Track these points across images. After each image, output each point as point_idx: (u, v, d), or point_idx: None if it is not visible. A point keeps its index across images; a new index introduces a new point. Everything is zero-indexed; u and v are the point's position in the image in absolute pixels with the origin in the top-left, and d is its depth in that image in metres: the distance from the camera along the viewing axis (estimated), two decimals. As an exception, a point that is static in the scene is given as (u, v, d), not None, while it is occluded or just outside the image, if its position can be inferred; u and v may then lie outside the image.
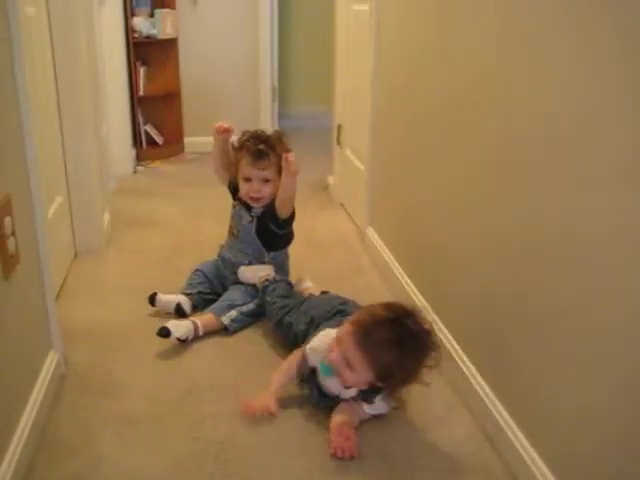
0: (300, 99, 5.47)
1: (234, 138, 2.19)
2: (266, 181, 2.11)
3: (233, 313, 2.05)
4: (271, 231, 2.14)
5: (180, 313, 2.09)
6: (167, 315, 2.10)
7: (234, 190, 2.22)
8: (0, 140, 1.41)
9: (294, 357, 1.72)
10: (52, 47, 2.34)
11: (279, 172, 2.09)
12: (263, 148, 2.09)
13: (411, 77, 2.14)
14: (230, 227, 2.26)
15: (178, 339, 1.93)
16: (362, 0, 2.74)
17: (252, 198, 2.14)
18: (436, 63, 1.89)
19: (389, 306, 1.54)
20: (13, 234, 1.39)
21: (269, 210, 2.13)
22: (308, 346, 1.68)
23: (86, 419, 1.61)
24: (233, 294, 2.12)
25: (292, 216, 2.16)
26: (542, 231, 1.31)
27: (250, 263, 2.17)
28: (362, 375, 1.52)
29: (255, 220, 2.15)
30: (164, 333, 1.90)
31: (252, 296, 2.11)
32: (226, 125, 2.15)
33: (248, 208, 2.17)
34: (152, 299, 2.11)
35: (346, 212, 3.18)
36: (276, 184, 2.12)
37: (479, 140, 1.60)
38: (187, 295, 2.17)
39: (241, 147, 2.14)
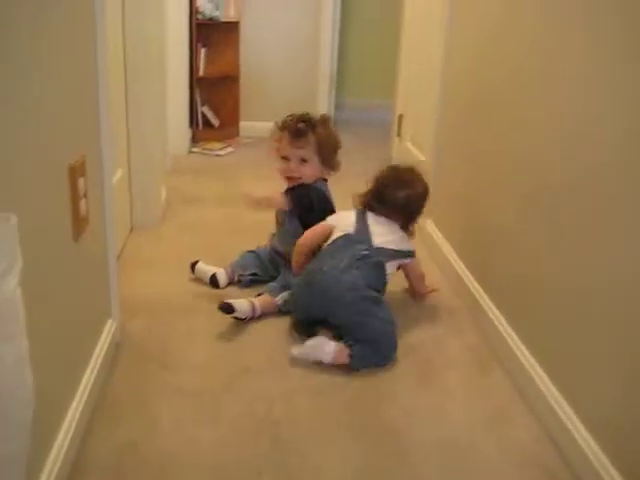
0: (357, 91, 5.42)
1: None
2: (303, 161, 2.09)
3: (285, 294, 2.03)
4: (308, 214, 2.10)
5: (214, 284, 2.12)
6: (220, 292, 2.10)
7: None
8: (78, 103, 1.41)
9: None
10: (123, 17, 2.34)
11: (319, 153, 2.08)
12: (302, 127, 2.07)
13: (483, 66, 2.08)
14: (276, 215, 2.25)
15: (237, 318, 1.91)
16: (434, -12, 2.69)
17: (289, 178, 2.12)
18: (509, 52, 1.84)
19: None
20: (85, 196, 1.38)
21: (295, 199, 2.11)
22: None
23: (142, 388, 1.60)
24: (286, 278, 2.10)
25: (319, 202, 2.12)
26: (610, 220, 1.25)
27: None
28: None
29: (289, 202, 2.11)
30: (227, 309, 1.87)
31: None
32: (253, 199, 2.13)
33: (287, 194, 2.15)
34: (193, 266, 2.20)
35: (402, 204, 3.12)
36: (314, 165, 2.10)
37: (549, 131, 1.55)
38: (239, 276, 2.17)
39: (283, 127, 2.13)
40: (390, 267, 1.94)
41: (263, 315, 1.98)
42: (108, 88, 1.61)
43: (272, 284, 2.09)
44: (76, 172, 1.31)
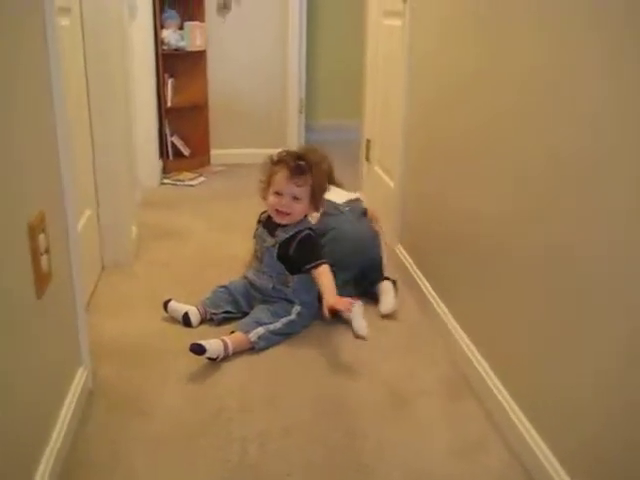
0: (326, 112, 5.46)
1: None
2: (296, 199, 2.10)
3: (260, 330, 2.02)
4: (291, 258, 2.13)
5: (186, 323, 2.13)
6: (193, 331, 2.10)
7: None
8: (36, 156, 1.41)
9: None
10: (85, 58, 2.34)
11: (312, 194, 2.11)
12: (303, 165, 2.09)
13: (445, 94, 2.11)
14: (255, 250, 2.26)
15: (209, 358, 1.90)
16: (394, 15, 2.72)
17: (278, 212, 2.12)
18: (473, 80, 1.86)
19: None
20: (47, 251, 1.38)
21: (290, 243, 2.11)
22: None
23: (116, 438, 1.59)
24: (260, 313, 2.10)
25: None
26: (588, 250, 1.27)
27: (274, 286, 2.14)
28: None
29: (277, 245, 2.13)
30: (198, 350, 1.87)
31: (279, 316, 2.09)
32: None
33: (271, 232, 2.16)
34: (166, 305, 2.19)
35: (374, 228, 3.14)
36: (305, 204, 2.12)
37: (516, 158, 1.57)
38: (212, 314, 2.17)
39: (279, 161, 2.13)
40: None
41: (236, 353, 1.97)
42: (69, 137, 1.61)
43: (245, 320, 2.08)
44: (35, 230, 1.30)
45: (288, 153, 2.14)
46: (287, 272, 2.13)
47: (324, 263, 2.07)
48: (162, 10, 4.03)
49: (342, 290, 2.06)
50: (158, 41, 3.96)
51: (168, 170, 4.17)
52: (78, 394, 1.64)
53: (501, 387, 1.65)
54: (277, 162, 2.13)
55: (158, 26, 3.96)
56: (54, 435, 1.45)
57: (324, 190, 2.17)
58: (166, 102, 4.11)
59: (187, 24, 4.12)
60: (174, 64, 4.16)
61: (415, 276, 2.38)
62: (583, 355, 1.29)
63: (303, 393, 1.81)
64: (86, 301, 2.22)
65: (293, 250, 2.10)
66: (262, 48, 4.42)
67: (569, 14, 1.31)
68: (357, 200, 2.60)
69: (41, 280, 1.34)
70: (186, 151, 4.33)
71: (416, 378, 1.89)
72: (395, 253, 2.65)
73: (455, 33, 2.02)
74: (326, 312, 1.95)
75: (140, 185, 3.56)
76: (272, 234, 2.15)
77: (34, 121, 1.40)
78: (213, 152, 4.44)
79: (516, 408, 1.56)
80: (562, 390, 1.38)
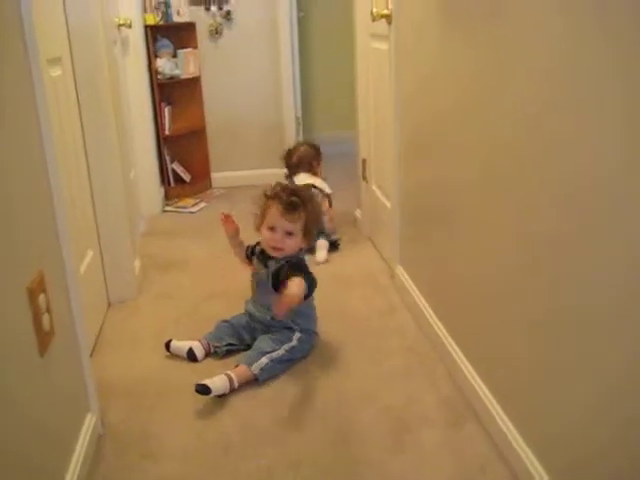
0: (324, 125, 5.49)
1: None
2: (290, 234, 2.13)
3: (263, 361, 2.06)
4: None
5: (191, 358, 2.17)
6: (199, 366, 2.14)
7: (251, 254, 2.27)
8: (31, 216, 1.45)
9: None
10: (79, 104, 2.39)
11: (304, 230, 2.14)
12: (296, 201, 2.12)
13: (436, 116, 2.12)
14: (252, 282, 2.29)
15: (216, 395, 1.94)
16: (381, 39, 2.75)
17: (273, 248, 2.15)
18: (463, 101, 1.87)
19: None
20: (48, 310, 1.42)
21: (281, 272, 2.12)
22: None
23: (125, 483, 1.63)
24: (261, 343, 2.14)
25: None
26: (588, 284, 1.30)
27: (272, 317, 2.17)
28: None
29: (270, 276, 2.15)
30: (204, 391, 1.91)
31: (280, 342, 2.13)
32: (226, 213, 2.27)
33: (265, 263, 2.19)
34: (167, 345, 2.22)
35: (375, 248, 3.17)
36: (298, 239, 2.15)
37: (507, 177, 1.59)
38: (215, 348, 2.21)
39: (273, 196, 2.16)
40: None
41: (241, 386, 2.01)
42: (63, 193, 1.65)
43: (248, 353, 2.12)
44: (35, 292, 1.34)
45: (282, 188, 2.17)
46: None
47: (301, 278, 2.05)
48: (155, 40, 4.08)
49: None
50: (153, 71, 4.01)
51: (170, 197, 4.22)
52: (88, 440, 1.68)
53: (501, 411, 1.67)
54: (271, 196, 2.16)
55: (152, 56, 4.01)
56: (65, 486, 1.49)
57: (317, 225, 2.20)
58: (164, 130, 4.16)
59: (180, 52, 4.17)
60: (170, 92, 4.22)
61: (415, 297, 2.40)
62: (582, 379, 1.31)
63: (307, 424, 1.84)
64: (92, 343, 2.27)
65: (284, 276, 2.11)
66: (256, 70, 4.46)
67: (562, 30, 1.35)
68: (311, 186, 2.99)
69: (43, 339, 1.38)
70: (187, 177, 4.37)
71: (418, 403, 1.91)
72: (396, 274, 2.68)
73: (443, 55, 2.03)
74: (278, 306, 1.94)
75: (143, 215, 3.61)
76: (265, 265, 2.19)
77: (27, 181, 1.44)
78: (214, 175, 4.49)
79: (515, 432, 1.59)
80: (560, 413, 1.40)
